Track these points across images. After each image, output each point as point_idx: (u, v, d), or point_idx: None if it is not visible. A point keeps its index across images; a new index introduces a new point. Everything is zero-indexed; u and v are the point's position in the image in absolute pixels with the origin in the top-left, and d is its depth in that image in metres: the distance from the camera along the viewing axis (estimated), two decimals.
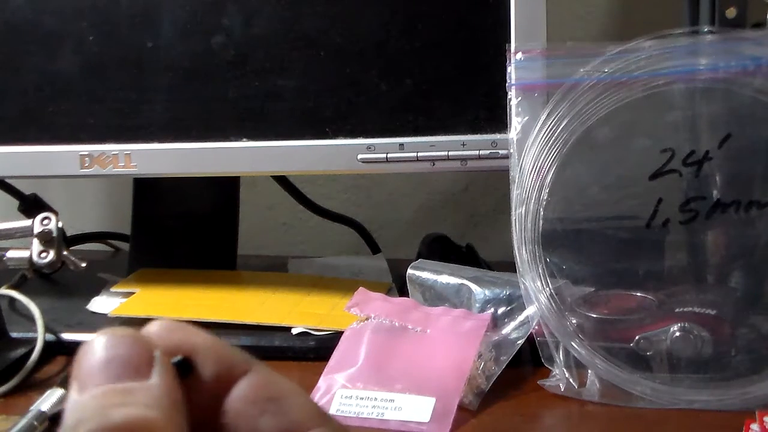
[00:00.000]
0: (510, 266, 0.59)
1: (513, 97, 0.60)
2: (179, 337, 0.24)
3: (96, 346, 0.23)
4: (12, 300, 0.71)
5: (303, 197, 0.92)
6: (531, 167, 0.57)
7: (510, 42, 0.63)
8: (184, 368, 0.23)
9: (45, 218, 0.57)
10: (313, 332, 0.65)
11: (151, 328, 0.24)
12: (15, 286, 0.74)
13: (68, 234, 0.88)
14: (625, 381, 0.55)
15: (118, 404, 0.21)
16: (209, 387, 0.24)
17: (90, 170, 0.71)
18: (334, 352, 0.59)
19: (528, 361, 0.60)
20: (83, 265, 0.59)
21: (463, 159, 0.66)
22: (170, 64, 0.69)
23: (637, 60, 0.55)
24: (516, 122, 0.60)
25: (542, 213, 0.57)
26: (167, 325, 0.24)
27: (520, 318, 0.58)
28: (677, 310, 0.56)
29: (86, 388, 0.22)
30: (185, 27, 0.69)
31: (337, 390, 0.55)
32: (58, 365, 0.64)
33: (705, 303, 0.56)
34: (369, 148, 0.67)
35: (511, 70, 0.60)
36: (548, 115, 0.57)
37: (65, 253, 0.58)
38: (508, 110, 0.61)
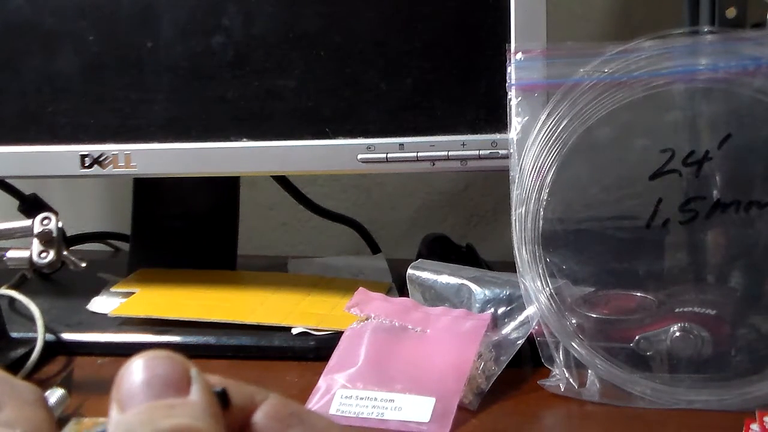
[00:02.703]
0: (510, 266, 0.59)
1: (513, 97, 0.60)
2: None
3: (134, 367, 0.24)
4: (12, 300, 0.71)
5: (303, 197, 0.92)
6: (531, 167, 0.57)
7: (510, 42, 0.63)
8: (223, 401, 0.24)
9: (45, 218, 0.57)
10: (313, 332, 0.65)
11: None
12: (15, 286, 0.74)
13: (68, 234, 0.88)
14: (625, 381, 0.55)
15: (164, 416, 0.22)
16: (235, 417, 0.25)
17: (90, 170, 0.71)
18: (334, 352, 0.59)
19: (528, 361, 0.60)
20: (83, 265, 0.58)
21: (463, 159, 0.66)
22: (170, 64, 0.69)
23: (637, 60, 0.55)
24: (516, 122, 0.60)
25: (542, 213, 0.57)
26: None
27: (520, 318, 0.58)
28: (677, 310, 0.56)
29: (128, 407, 0.23)
30: (185, 27, 0.69)
31: (337, 390, 0.55)
32: (58, 365, 0.64)
33: (705, 303, 0.56)
34: (369, 148, 0.67)
35: (511, 70, 0.60)
36: (548, 115, 0.57)
37: (65, 253, 0.58)
38: (508, 110, 0.61)
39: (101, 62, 0.70)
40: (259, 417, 0.25)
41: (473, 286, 0.62)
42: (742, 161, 0.55)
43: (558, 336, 0.56)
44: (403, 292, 0.69)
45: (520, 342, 0.57)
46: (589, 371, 0.56)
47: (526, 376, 0.59)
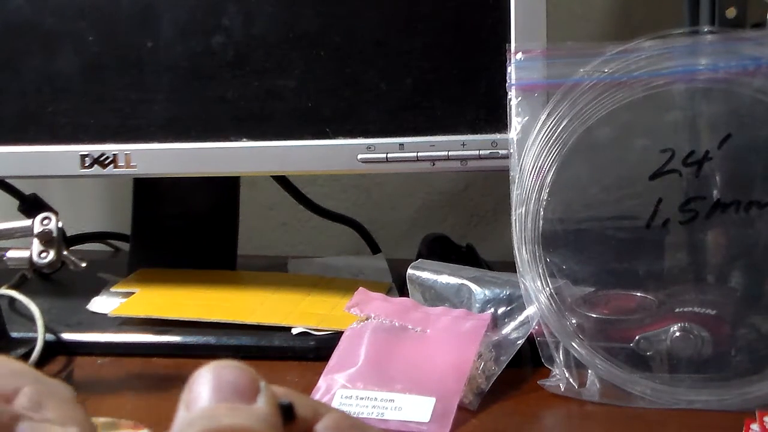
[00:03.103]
0: (510, 266, 0.59)
1: (513, 97, 0.60)
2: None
3: (205, 372, 0.25)
4: (12, 300, 0.71)
5: (303, 197, 0.92)
6: (531, 167, 0.57)
7: (510, 42, 0.63)
8: (288, 413, 0.26)
9: (45, 218, 0.57)
10: (313, 332, 0.65)
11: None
12: (15, 286, 0.74)
13: (68, 234, 0.88)
14: (625, 381, 0.55)
15: (226, 415, 0.24)
16: (299, 428, 0.26)
17: (90, 170, 0.71)
18: (334, 352, 0.59)
19: (528, 361, 0.60)
20: (83, 265, 0.58)
21: (463, 159, 0.66)
22: (170, 64, 0.69)
23: (637, 60, 0.55)
24: (516, 122, 0.60)
25: (542, 213, 0.57)
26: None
27: (520, 318, 0.58)
28: (677, 310, 0.56)
29: (195, 406, 0.24)
30: (185, 27, 0.69)
31: (337, 390, 0.55)
32: (59, 365, 0.64)
33: (705, 303, 0.56)
34: (369, 148, 0.67)
35: (511, 70, 0.60)
36: (548, 115, 0.57)
37: (65, 253, 0.58)
38: (508, 110, 0.61)
39: (101, 62, 0.70)
40: (320, 428, 0.26)
41: (473, 286, 0.62)
42: (742, 161, 0.55)
43: (558, 336, 0.56)
44: (403, 292, 0.69)
45: (520, 342, 0.57)
46: (589, 371, 0.56)
47: (526, 376, 0.59)
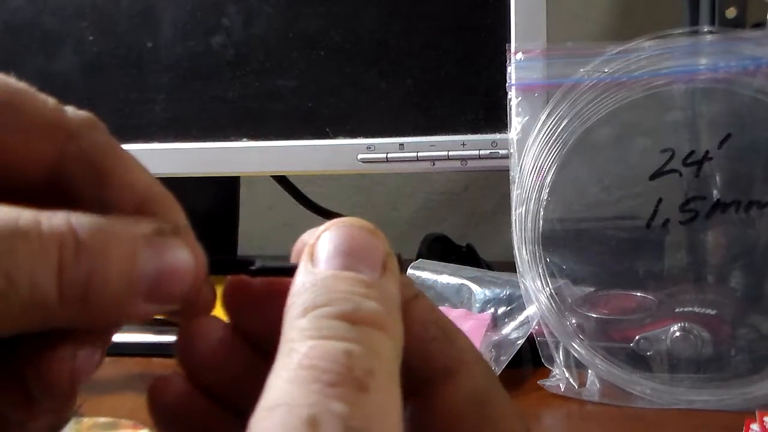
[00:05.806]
0: (510, 266, 0.59)
1: (513, 97, 0.60)
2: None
3: (340, 233, 0.24)
4: None
5: (303, 197, 0.92)
6: (531, 167, 0.57)
7: (510, 42, 0.63)
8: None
9: None
10: None
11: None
12: None
13: None
14: (625, 381, 0.55)
15: (364, 295, 0.22)
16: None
17: None
18: None
19: (528, 361, 0.60)
20: None
21: (463, 159, 0.66)
22: (170, 64, 0.69)
23: (637, 60, 0.55)
24: (516, 122, 0.60)
25: (542, 213, 0.57)
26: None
27: (520, 318, 0.58)
28: (677, 310, 0.56)
29: (321, 265, 0.23)
30: (185, 27, 0.69)
31: None
32: None
33: (705, 303, 0.56)
34: (369, 148, 0.67)
35: (511, 70, 0.60)
36: (548, 115, 0.57)
37: None
38: (508, 110, 0.61)
39: (101, 62, 0.70)
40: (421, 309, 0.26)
41: (473, 286, 0.62)
42: (742, 161, 0.55)
43: (558, 336, 0.56)
44: None
45: (520, 342, 0.57)
46: (589, 371, 0.56)
47: (526, 376, 0.59)
